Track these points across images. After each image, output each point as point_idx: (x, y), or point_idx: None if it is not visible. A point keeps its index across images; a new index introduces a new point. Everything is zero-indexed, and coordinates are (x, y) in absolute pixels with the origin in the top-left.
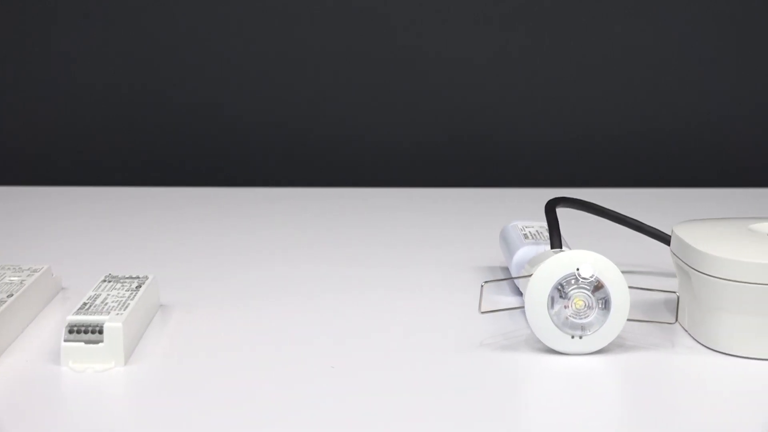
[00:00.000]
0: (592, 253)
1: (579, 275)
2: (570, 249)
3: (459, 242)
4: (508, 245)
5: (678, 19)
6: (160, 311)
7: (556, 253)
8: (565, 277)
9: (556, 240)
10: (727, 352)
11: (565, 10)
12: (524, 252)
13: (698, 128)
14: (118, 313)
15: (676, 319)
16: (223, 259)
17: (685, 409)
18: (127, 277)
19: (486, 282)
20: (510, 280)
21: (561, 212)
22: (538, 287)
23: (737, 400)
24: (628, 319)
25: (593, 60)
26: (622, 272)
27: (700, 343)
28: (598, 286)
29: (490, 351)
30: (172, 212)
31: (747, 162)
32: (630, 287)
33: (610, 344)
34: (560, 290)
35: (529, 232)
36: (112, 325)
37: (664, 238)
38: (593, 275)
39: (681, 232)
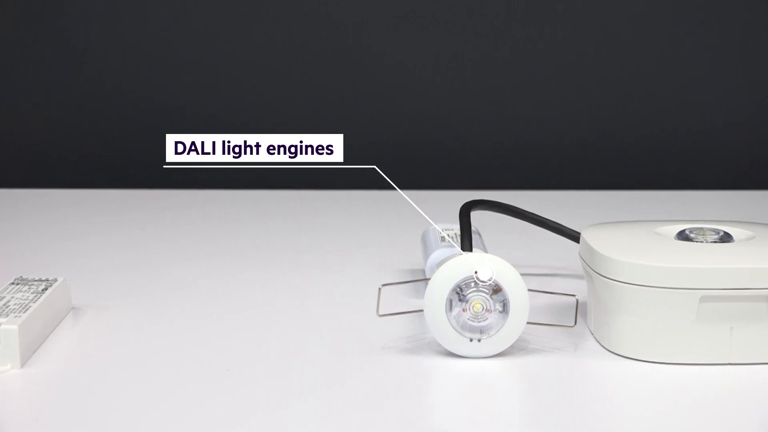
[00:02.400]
0: (491, 256)
1: (477, 278)
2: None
3: (389, 244)
4: (425, 248)
5: (678, 19)
6: (71, 314)
7: None
8: (463, 280)
9: (466, 243)
10: (625, 355)
11: (564, 10)
12: (437, 255)
13: (697, 130)
14: (16, 316)
15: (575, 322)
16: (145, 261)
17: (579, 411)
18: (36, 280)
19: (384, 285)
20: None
21: (489, 215)
22: (437, 290)
23: (633, 403)
24: (529, 322)
25: (591, 60)
26: (539, 275)
27: (602, 346)
28: (496, 289)
29: (392, 354)
30: (98, 216)
31: (746, 164)
32: (530, 290)
33: (512, 347)
34: (459, 293)
35: (448, 235)
36: (8, 327)
37: None
38: (491, 278)
39: (587, 235)
